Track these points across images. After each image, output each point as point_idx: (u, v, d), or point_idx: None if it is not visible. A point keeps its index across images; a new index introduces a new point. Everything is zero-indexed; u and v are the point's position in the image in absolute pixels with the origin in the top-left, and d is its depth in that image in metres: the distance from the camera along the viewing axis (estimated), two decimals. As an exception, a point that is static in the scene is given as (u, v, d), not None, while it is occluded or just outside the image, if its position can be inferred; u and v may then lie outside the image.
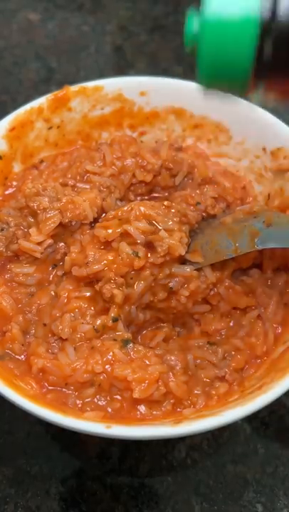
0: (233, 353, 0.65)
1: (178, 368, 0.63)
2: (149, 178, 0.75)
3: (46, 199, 0.67)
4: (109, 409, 0.60)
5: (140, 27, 1.21)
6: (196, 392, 0.63)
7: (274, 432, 0.71)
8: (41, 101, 0.76)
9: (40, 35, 1.19)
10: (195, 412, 0.60)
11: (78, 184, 0.73)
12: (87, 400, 0.60)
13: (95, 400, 0.60)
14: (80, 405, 0.60)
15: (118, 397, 0.61)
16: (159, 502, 0.67)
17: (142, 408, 0.60)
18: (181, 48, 1.19)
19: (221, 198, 0.74)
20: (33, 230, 0.66)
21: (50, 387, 0.61)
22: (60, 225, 0.66)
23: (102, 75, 0.85)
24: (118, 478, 0.68)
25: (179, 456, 0.69)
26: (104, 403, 0.60)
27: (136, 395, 0.59)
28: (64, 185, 0.72)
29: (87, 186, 0.72)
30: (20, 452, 0.69)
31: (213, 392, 0.62)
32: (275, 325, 0.67)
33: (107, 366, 0.60)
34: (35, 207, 0.66)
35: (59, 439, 0.70)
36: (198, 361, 0.65)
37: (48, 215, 0.66)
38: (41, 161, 0.78)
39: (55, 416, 0.54)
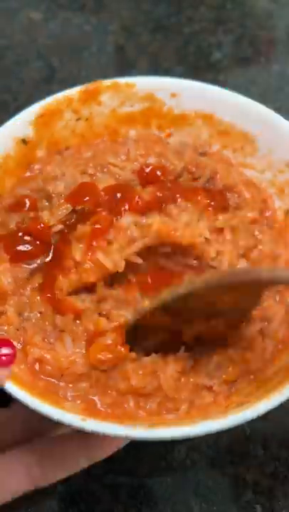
0: (226, 364, 0.63)
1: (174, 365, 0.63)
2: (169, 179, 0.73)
3: (63, 184, 0.66)
4: (98, 403, 0.59)
5: (142, 27, 1.21)
6: (182, 397, 0.60)
7: (273, 432, 0.71)
8: (72, 92, 0.76)
9: (42, 35, 1.19)
10: (177, 419, 0.59)
11: (98, 174, 0.71)
12: (79, 393, 0.59)
13: (89, 394, 0.59)
14: (70, 398, 0.59)
15: (109, 391, 0.60)
16: (158, 502, 0.67)
17: (131, 402, 0.59)
18: (182, 49, 1.19)
19: (239, 208, 0.73)
20: (45, 214, 0.66)
21: (44, 378, 0.60)
22: (73, 211, 0.66)
23: (104, 74, 0.84)
24: (118, 478, 0.68)
25: (179, 457, 0.69)
26: (95, 397, 0.59)
27: (123, 386, 0.59)
28: (83, 173, 0.71)
29: (106, 176, 0.71)
30: (20, 451, 0.69)
31: (198, 402, 0.60)
32: (275, 342, 0.64)
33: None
34: (51, 190, 0.66)
35: (58, 438, 0.70)
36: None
37: (62, 201, 0.66)
38: (66, 148, 0.77)
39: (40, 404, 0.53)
